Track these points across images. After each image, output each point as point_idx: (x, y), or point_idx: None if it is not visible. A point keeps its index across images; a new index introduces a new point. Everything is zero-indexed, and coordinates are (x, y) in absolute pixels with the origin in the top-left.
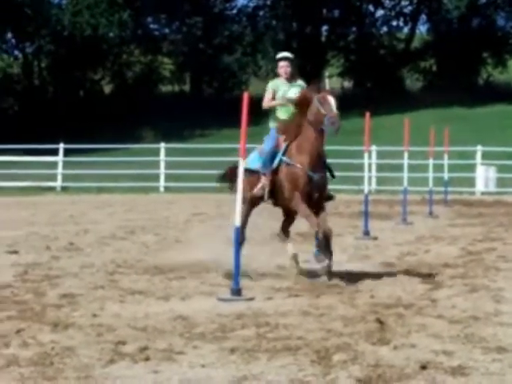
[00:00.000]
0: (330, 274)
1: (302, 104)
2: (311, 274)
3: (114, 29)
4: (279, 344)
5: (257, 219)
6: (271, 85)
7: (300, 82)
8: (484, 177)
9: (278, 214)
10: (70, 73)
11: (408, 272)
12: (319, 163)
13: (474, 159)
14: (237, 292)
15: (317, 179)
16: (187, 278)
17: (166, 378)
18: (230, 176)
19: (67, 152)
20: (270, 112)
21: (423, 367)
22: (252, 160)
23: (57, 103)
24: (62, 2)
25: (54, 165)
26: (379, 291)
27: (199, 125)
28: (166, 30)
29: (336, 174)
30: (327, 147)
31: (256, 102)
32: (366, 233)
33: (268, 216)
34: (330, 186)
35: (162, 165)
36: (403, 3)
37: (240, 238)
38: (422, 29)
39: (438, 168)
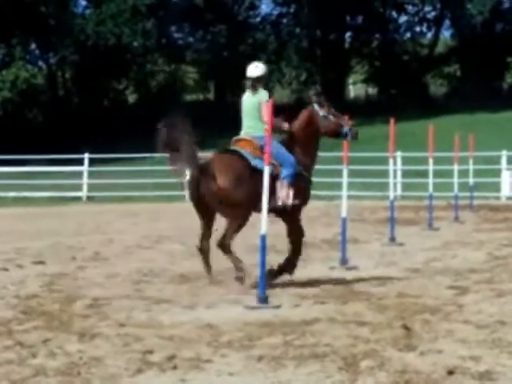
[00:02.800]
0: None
1: (309, 121)
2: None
3: (137, 38)
4: (306, 351)
5: (282, 228)
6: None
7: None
8: (509, 182)
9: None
10: (94, 83)
11: (434, 278)
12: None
13: (499, 164)
14: (263, 300)
15: None
16: (213, 286)
17: None
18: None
19: (92, 162)
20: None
21: (450, 373)
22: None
23: (81, 113)
24: (85, 11)
25: (79, 175)
26: (406, 297)
27: (224, 133)
28: (190, 39)
29: (361, 180)
30: (353, 153)
31: (280, 109)
32: (392, 239)
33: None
34: (356, 193)
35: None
36: (426, 9)
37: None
38: (446, 34)
39: (463, 173)
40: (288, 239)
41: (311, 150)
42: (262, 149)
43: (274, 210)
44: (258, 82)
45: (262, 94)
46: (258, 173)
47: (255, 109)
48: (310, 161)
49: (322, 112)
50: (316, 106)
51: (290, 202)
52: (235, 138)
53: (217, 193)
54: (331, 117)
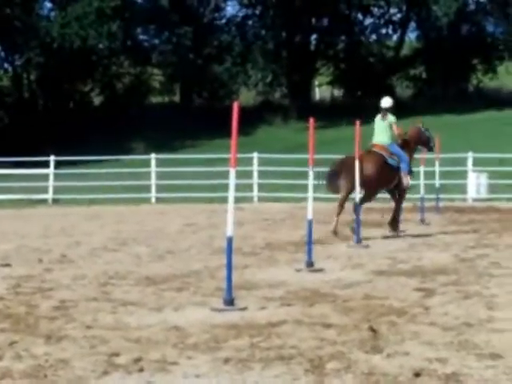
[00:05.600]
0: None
1: (416, 135)
2: None
3: (103, 40)
4: (273, 353)
5: (248, 230)
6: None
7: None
8: (475, 183)
9: (267, 225)
10: (60, 85)
11: (400, 280)
12: None
13: (466, 166)
14: (229, 302)
15: None
16: (180, 288)
17: None
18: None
19: (58, 164)
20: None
21: (417, 375)
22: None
23: (47, 115)
24: (50, 14)
25: (45, 177)
26: (372, 299)
27: (190, 135)
28: (156, 41)
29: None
30: (319, 155)
31: (246, 111)
32: (359, 241)
33: (259, 227)
34: (322, 195)
35: (153, 176)
36: (392, 11)
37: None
38: (412, 36)
39: (430, 175)
40: (395, 205)
41: (412, 153)
42: (390, 152)
43: (390, 189)
44: (387, 111)
45: (391, 118)
46: (389, 166)
47: (386, 128)
48: (410, 159)
49: (424, 130)
50: (422, 128)
51: (408, 185)
52: (372, 143)
53: (366, 175)
54: (427, 133)
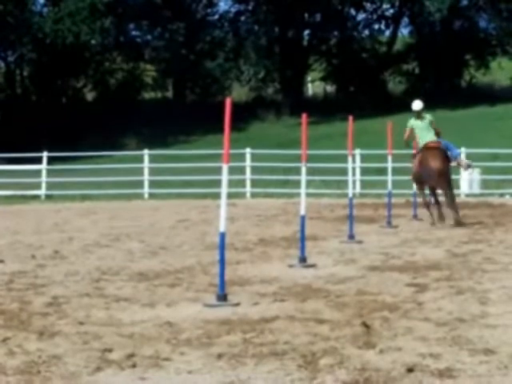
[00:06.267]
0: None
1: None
2: None
3: (95, 36)
4: (266, 349)
5: (241, 225)
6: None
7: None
8: (468, 179)
9: (259, 221)
10: (53, 81)
11: (393, 275)
12: None
13: None
14: (222, 298)
15: None
16: (173, 284)
17: None
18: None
19: (51, 160)
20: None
21: (410, 370)
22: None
23: (39, 111)
24: (43, 9)
25: (37, 173)
26: (365, 295)
27: (182, 131)
28: (148, 37)
29: (320, 177)
30: (312, 151)
31: (239, 107)
32: (351, 236)
33: (251, 223)
34: (314, 190)
35: (146, 171)
36: (385, 6)
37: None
38: (404, 32)
39: None
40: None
41: None
42: (445, 146)
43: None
44: (421, 112)
45: (428, 117)
46: (447, 158)
47: (428, 127)
48: None
49: None
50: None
51: (467, 166)
52: (428, 142)
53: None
54: None
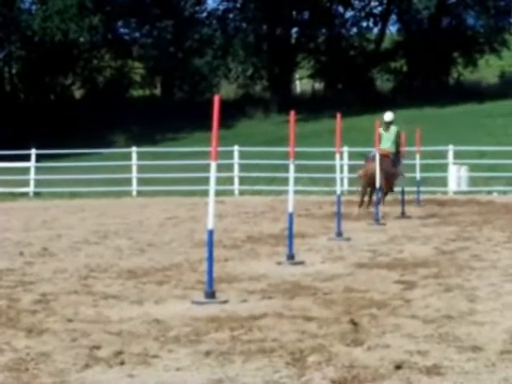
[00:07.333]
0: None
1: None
2: None
3: (84, 33)
4: (254, 346)
5: (229, 223)
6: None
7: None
8: (456, 176)
9: (248, 218)
10: (41, 78)
11: (381, 272)
12: None
13: (446, 159)
14: (211, 295)
15: None
16: (161, 281)
17: (142, 382)
18: None
19: (39, 157)
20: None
21: (398, 367)
22: None
23: (28, 109)
24: (31, 7)
25: (26, 170)
26: (353, 292)
27: (171, 128)
28: (137, 34)
29: (308, 175)
30: (300, 148)
31: (227, 104)
32: (339, 234)
33: (239, 220)
34: (302, 188)
35: (134, 169)
36: (373, 4)
37: None
38: (392, 29)
39: (410, 168)
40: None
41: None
42: (392, 155)
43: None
44: (390, 123)
45: (394, 128)
46: (394, 164)
47: (390, 138)
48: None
49: None
50: None
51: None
52: (379, 148)
53: (385, 170)
54: None
